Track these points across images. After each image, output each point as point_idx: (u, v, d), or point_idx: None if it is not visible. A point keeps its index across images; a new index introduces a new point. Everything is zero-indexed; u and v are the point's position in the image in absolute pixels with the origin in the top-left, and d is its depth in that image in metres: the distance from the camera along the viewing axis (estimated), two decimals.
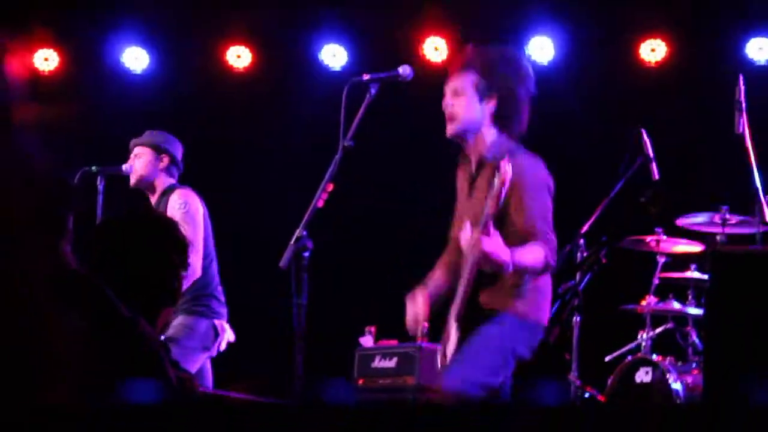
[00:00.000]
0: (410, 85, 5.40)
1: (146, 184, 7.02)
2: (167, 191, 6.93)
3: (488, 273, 5.08)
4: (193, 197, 6.88)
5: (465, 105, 5.29)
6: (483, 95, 5.28)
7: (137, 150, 7.05)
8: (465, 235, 5.00)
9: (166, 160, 7.01)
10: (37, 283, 2.11)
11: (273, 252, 5.02)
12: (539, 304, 5.27)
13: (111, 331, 3.32)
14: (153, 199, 6.97)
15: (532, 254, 5.03)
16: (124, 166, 7.17)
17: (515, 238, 5.07)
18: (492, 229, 4.91)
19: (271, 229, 6.78)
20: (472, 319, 5.19)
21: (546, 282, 5.29)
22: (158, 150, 7.02)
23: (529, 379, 5.39)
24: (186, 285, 6.62)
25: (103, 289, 3.38)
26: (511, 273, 4.99)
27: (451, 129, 5.31)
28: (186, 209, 6.78)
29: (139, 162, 7.02)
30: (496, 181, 4.88)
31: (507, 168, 4.87)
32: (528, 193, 5.13)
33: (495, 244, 4.91)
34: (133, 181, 7.02)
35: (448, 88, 5.35)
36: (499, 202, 4.89)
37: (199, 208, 6.87)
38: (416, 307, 5.35)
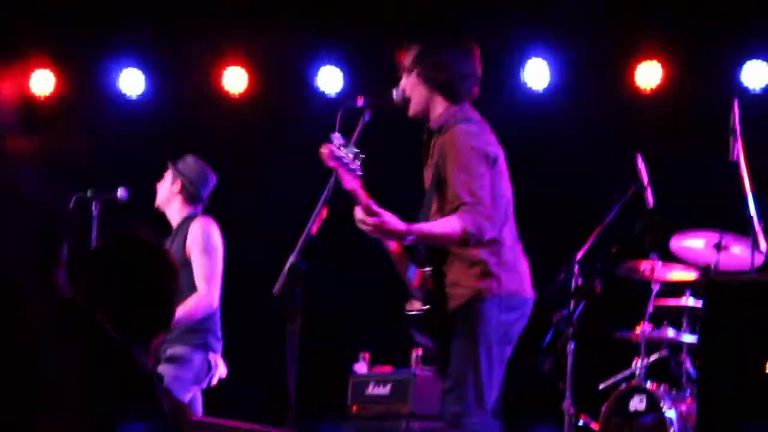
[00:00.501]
0: (405, 109, 5.41)
1: (164, 208, 6.97)
2: (188, 219, 6.88)
3: (439, 249, 5.17)
4: (214, 228, 6.83)
5: (413, 83, 5.37)
6: (427, 74, 5.34)
7: (168, 171, 7.02)
8: (356, 214, 5.01)
9: (178, 185, 6.95)
10: (33, 314, 2.10)
11: (266, 278, 5.00)
12: (507, 277, 5.24)
13: (105, 359, 3.31)
14: (173, 225, 6.93)
15: (444, 225, 5.05)
16: (119, 192, 7.15)
17: (450, 209, 5.13)
18: (374, 205, 4.93)
19: (265, 255, 6.76)
20: (439, 298, 5.23)
21: (509, 255, 5.27)
22: (176, 173, 6.97)
23: (524, 408, 5.39)
24: (203, 314, 6.62)
25: (96, 318, 3.36)
26: (412, 241, 5.04)
27: (410, 112, 5.39)
28: (207, 240, 6.75)
29: (161, 183, 7.01)
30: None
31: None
32: (457, 164, 5.16)
33: (381, 221, 4.94)
34: (156, 201, 7.00)
35: (402, 70, 5.43)
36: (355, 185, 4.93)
37: (219, 239, 6.83)
38: None
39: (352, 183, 4.89)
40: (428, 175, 5.35)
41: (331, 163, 4.86)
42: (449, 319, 5.20)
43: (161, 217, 6.99)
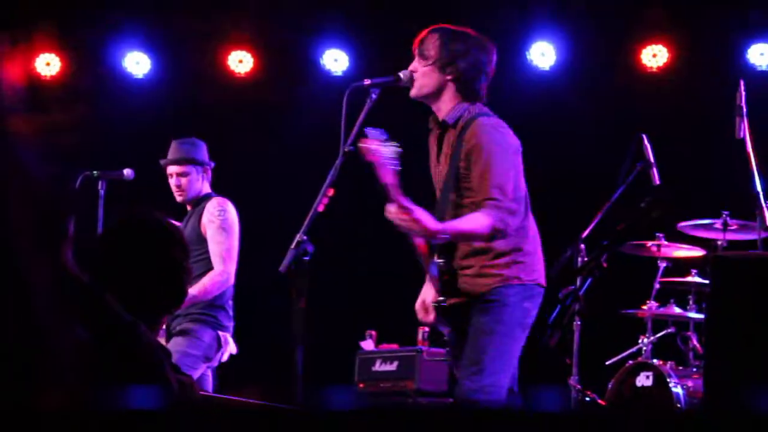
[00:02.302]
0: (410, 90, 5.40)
1: (196, 200, 6.96)
2: (203, 198, 6.90)
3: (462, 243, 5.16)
4: (230, 206, 6.86)
5: (428, 70, 5.28)
6: (445, 61, 5.26)
7: (178, 169, 6.95)
8: (388, 210, 4.98)
9: (208, 173, 6.99)
10: (38, 291, 2.11)
11: (273, 256, 5.02)
12: (531, 266, 5.26)
13: (112, 336, 3.32)
14: (189, 207, 6.94)
15: (473, 222, 5.04)
16: (125, 171, 7.16)
17: (472, 204, 5.11)
18: (407, 202, 4.89)
19: (272, 233, 6.77)
20: (455, 291, 5.23)
21: (531, 245, 5.28)
22: (202, 164, 6.96)
23: (530, 383, 5.39)
24: (218, 291, 6.64)
25: (104, 295, 3.38)
26: (446, 240, 5.03)
27: (413, 92, 5.32)
28: (224, 216, 6.77)
29: (185, 180, 6.92)
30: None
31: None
32: (483, 157, 5.12)
33: (413, 219, 4.91)
34: (181, 199, 6.92)
35: (416, 52, 5.35)
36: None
37: (235, 217, 6.85)
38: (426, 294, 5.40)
39: (389, 178, 4.87)
40: (441, 168, 5.33)
41: (371, 158, 4.83)
42: (472, 307, 5.21)
43: (168, 197, 7.00)
